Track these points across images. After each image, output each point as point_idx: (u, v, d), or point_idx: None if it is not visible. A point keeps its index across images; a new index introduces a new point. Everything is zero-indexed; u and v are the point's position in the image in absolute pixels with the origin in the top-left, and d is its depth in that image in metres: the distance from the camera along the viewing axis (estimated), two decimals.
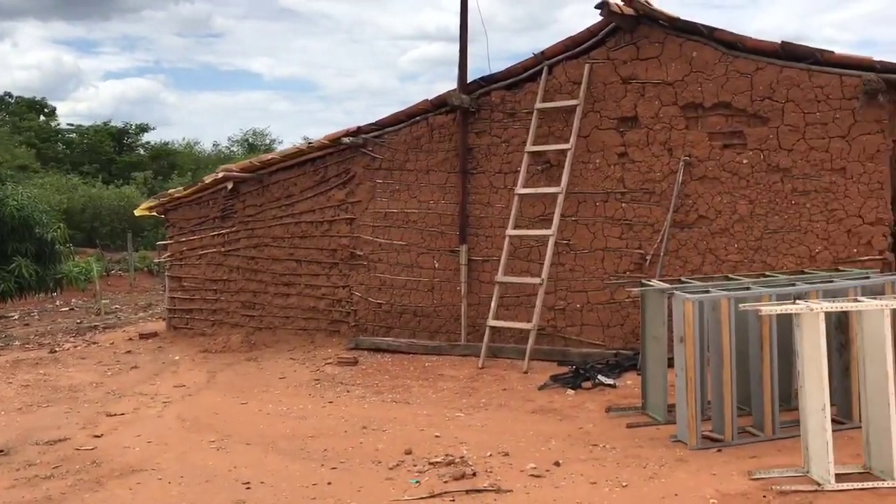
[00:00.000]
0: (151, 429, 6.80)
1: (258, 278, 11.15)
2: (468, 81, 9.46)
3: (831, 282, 5.90)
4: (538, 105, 8.88)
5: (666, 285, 6.16)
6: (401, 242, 9.94)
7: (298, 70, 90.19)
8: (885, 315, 4.43)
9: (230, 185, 11.19)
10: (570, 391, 7.26)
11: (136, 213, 13.41)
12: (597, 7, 8.05)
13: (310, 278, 10.68)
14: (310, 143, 10.86)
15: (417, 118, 9.85)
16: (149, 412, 7.46)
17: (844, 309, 4.79)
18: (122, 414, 7.38)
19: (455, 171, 9.55)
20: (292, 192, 10.81)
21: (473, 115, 9.42)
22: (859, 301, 4.78)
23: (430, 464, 5.31)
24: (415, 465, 5.34)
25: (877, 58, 7.48)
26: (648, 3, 8.15)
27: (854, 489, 4.35)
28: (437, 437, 5.99)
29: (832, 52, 7.57)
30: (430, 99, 9.68)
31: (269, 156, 11.64)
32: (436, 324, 9.70)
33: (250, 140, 46.23)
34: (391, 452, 5.67)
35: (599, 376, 7.44)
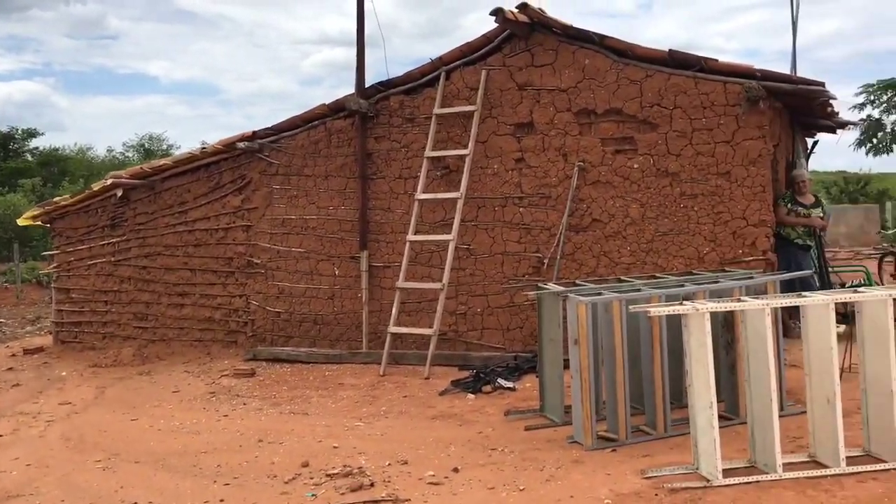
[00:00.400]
0: (32, 450, 6.44)
1: (151, 289, 10.76)
2: (367, 86, 9.39)
3: (717, 282, 6.09)
4: (436, 110, 8.88)
5: (561, 288, 6.24)
6: (299, 249, 9.76)
7: (197, 73, 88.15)
8: (766, 314, 4.58)
9: (120, 193, 10.78)
10: (471, 396, 7.27)
11: (20, 222, 12.77)
12: (492, 14, 8.12)
13: (205, 288, 10.38)
14: (203, 148, 10.55)
15: (315, 123, 9.70)
16: (30, 433, 7.06)
17: (728, 309, 4.95)
18: (0, 436, 6.95)
19: (354, 176, 9.44)
20: (186, 199, 10.49)
21: (372, 119, 9.35)
22: (743, 301, 4.94)
23: (328, 476, 5.20)
24: (311, 478, 5.22)
25: (758, 66, 7.82)
26: (542, 11, 8.27)
27: (740, 483, 4.47)
28: (335, 447, 5.88)
29: (716, 60, 7.85)
30: (327, 103, 9.55)
31: (161, 162, 11.26)
32: (336, 332, 9.56)
33: (146, 145, 44.75)
34: (287, 466, 5.53)
35: (499, 380, 7.48)
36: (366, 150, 9.34)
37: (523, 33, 8.52)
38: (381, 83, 9.33)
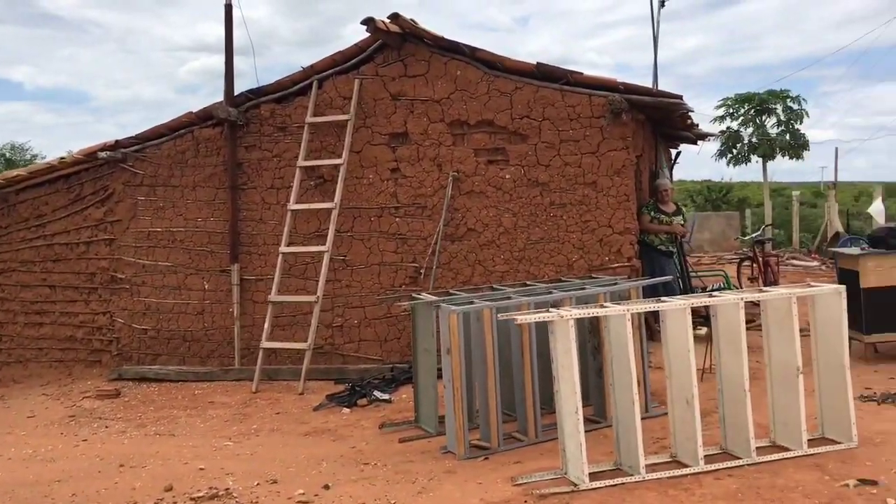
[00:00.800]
0: None
1: (5, 307, 10.09)
2: (236, 94, 9.15)
3: (584, 289, 6.24)
4: (309, 119, 8.75)
5: (434, 298, 6.24)
6: (167, 263, 9.38)
7: (65, 80, 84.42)
8: (627, 318, 4.71)
9: None
10: (346, 410, 7.16)
11: None
12: (363, 23, 8.07)
13: (65, 305, 9.81)
14: (62, 158, 9.99)
15: (182, 131, 9.37)
16: None
17: (591, 315, 5.06)
18: None
19: (224, 186, 9.17)
20: (44, 211, 9.90)
21: (242, 128, 9.11)
22: (605, 306, 5.07)
23: (192, 499, 4.97)
24: (175, 503, 4.97)
25: (629, 80, 8.13)
26: (414, 22, 8.29)
27: (606, 486, 4.55)
28: (201, 469, 5.64)
29: (581, 74, 8.09)
30: (194, 111, 9.24)
31: (14, 172, 10.59)
32: (207, 348, 9.23)
33: (8, 155, 42.08)
34: (149, 491, 5.25)
35: (375, 392, 7.41)
36: (236, 160, 9.09)
37: (396, 44, 8.52)
38: (251, 91, 9.12)
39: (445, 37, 8.36)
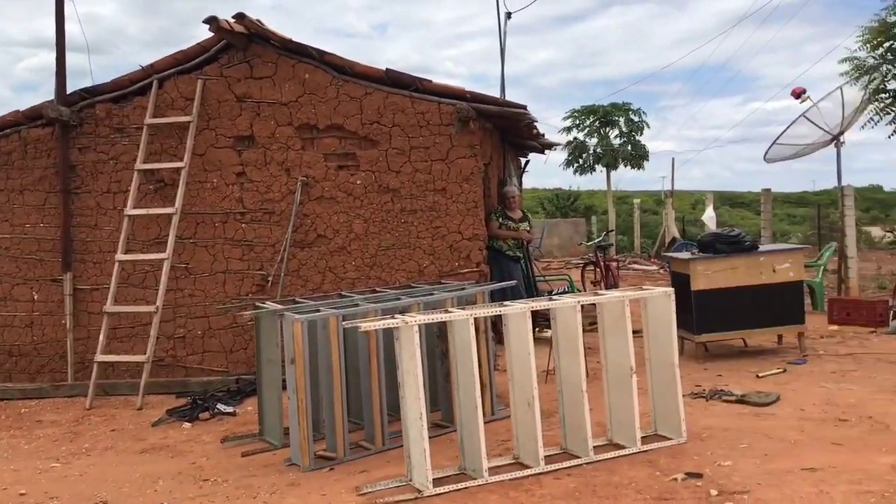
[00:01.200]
0: None
1: None
2: (69, 92, 8.60)
3: (432, 294, 6.27)
4: (148, 120, 8.35)
5: (279, 306, 6.08)
6: None
7: None
8: (470, 323, 4.76)
9: None
10: (187, 424, 6.85)
11: None
12: (205, 22, 7.79)
13: None
14: None
15: (7, 131, 8.73)
16: None
17: (436, 320, 5.08)
18: None
19: (56, 190, 8.60)
20: None
21: (76, 129, 8.57)
22: (450, 311, 5.10)
23: None
24: None
25: (483, 90, 8.26)
26: (260, 23, 8.08)
27: (450, 491, 4.57)
28: (22, 495, 5.22)
29: (430, 81, 8.16)
30: (21, 110, 8.62)
31: None
32: (37, 363, 8.61)
33: None
34: None
35: (219, 405, 7.14)
36: (68, 162, 8.54)
37: (241, 44, 8.28)
38: (85, 90, 8.60)
39: (293, 39, 8.21)
